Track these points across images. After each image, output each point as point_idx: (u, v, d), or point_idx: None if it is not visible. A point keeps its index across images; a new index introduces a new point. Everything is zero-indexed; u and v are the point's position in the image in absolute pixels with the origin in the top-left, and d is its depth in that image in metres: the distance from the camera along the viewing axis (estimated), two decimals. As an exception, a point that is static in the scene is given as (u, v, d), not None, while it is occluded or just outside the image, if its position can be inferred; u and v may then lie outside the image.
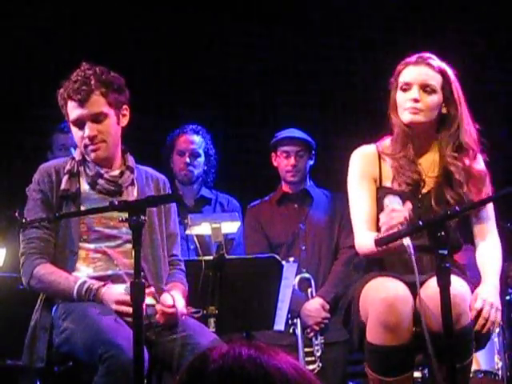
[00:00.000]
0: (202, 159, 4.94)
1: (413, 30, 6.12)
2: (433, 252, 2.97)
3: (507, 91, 6.34)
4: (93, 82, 3.28)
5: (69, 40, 5.68)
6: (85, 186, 3.38)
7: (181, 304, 3.24)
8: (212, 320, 3.53)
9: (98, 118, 3.31)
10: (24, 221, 3.10)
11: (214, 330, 3.48)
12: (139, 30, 5.87)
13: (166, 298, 3.22)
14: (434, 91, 3.35)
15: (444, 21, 6.26)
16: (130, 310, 2.91)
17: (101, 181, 3.37)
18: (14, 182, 5.48)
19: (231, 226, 3.96)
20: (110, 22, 5.78)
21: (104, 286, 3.20)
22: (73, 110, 3.31)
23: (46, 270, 3.25)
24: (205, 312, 3.57)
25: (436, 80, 3.36)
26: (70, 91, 3.29)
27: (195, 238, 4.08)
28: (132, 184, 3.42)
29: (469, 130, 3.38)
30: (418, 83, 3.35)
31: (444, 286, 2.73)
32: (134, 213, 2.80)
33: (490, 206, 3.40)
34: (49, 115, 5.48)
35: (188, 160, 4.89)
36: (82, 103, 3.29)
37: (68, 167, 3.38)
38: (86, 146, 3.34)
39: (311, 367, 4.62)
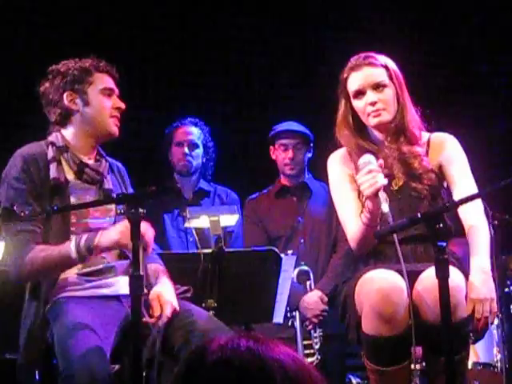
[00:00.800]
0: (200, 150, 4.93)
1: (412, 27, 6.11)
2: (427, 242, 3.00)
3: (506, 85, 6.34)
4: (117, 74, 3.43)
5: (68, 38, 5.67)
6: (70, 175, 3.30)
7: (171, 299, 3.15)
8: (211, 313, 3.53)
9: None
10: (22, 214, 3.06)
11: (212, 322, 3.47)
12: (139, 25, 5.87)
13: (155, 309, 3.12)
14: (385, 86, 3.38)
15: (442, 17, 6.26)
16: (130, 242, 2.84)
17: (87, 170, 3.31)
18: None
19: (230, 219, 3.96)
20: (109, 18, 5.78)
21: (97, 233, 3.12)
22: (106, 80, 3.37)
23: (34, 253, 3.14)
24: (203, 305, 3.56)
25: (382, 75, 3.39)
26: (105, 66, 3.38)
27: (194, 231, 4.08)
28: (109, 172, 3.41)
29: (411, 114, 3.41)
30: (369, 86, 3.38)
31: (443, 278, 2.72)
32: (133, 205, 2.80)
33: (472, 188, 3.38)
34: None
35: (186, 150, 4.89)
36: (114, 80, 3.40)
37: (52, 154, 3.28)
38: (113, 117, 3.35)
39: (310, 360, 4.62)
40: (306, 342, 4.70)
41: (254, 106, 6.18)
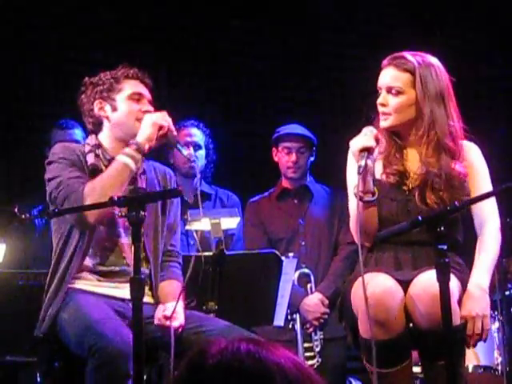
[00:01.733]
0: (203, 152, 4.93)
1: (412, 26, 6.11)
2: (429, 247, 3.00)
3: (506, 88, 6.34)
4: (148, 80, 3.55)
5: (68, 37, 5.68)
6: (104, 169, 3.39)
7: (180, 318, 3.24)
8: (212, 315, 3.53)
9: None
10: (23, 217, 3.08)
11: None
12: (139, 26, 5.87)
13: (166, 311, 3.24)
14: (399, 93, 3.29)
15: (443, 17, 6.26)
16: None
17: None
18: (13, 178, 5.49)
19: (231, 222, 3.96)
20: (109, 18, 5.78)
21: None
22: (135, 85, 3.46)
23: (88, 185, 3.25)
24: (204, 308, 3.56)
25: (401, 80, 3.29)
26: (135, 72, 3.46)
27: (195, 234, 4.08)
28: (143, 173, 3.47)
29: (447, 129, 3.30)
30: (384, 87, 3.34)
31: (443, 282, 2.72)
32: (134, 208, 2.80)
33: (491, 200, 3.35)
34: (48, 112, 5.50)
35: (192, 152, 4.88)
36: (145, 85, 3.49)
37: (88, 147, 3.42)
38: (139, 120, 3.38)
39: (310, 362, 4.62)
40: (306, 345, 4.70)
41: (256, 108, 6.18)
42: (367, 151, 3.17)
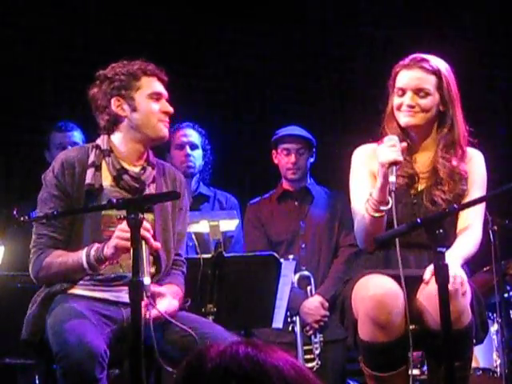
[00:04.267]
0: (200, 151, 4.93)
1: (413, 27, 6.11)
2: (429, 249, 3.00)
3: (507, 88, 6.34)
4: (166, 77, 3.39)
5: (68, 37, 5.68)
6: (108, 181, 3.28)
7: (162, 305, 3.16)
8: (210, 318, 3.53)
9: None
10: (22, 219, 3.07)
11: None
12: (138, 28, 5.87)
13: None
14: (427, 94, 3.36)
15: (445, 17, 6.26)
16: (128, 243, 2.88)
17: (126, 176, 3.27)
18: (13, 180, 5.48)
19: (229, 224, 3.96)
20: (109, 19, 5.78)
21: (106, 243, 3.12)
22: (154, 84, 3.31)
23: (52, 258, 3.18)
24: (203, 310, 3.56)
25: (430, 82, 3.36)
26: (153, 69, 3.33)
27: (193, 236, 4.08)
28: (153, 181, 3.34)
29: (462, 130, 3.40)
30: (412, 88, 3.36)
31: (442, 283, 2.72)
32: (132, 211, 2.79)
33: (479, 208, 3.35)
34: (47, 113, 5.50)
35: (188, 150, 4.88)
36: (163, 83, 3.35)
37: (93, 158, 3.27)
38: (161, 120, 3.29)
39: (310, 365, 4.62)
40: (306, 348, 4.70)
41: (255, 109, 6.18)
42: (396, 165, 3.19)
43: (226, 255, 3.70)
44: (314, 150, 4.98)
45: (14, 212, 3.15)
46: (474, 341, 3.26)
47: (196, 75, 5.98)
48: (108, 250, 3.08)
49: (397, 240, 3.10)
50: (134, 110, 3.28)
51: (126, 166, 3.30)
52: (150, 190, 3.30)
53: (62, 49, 5.66)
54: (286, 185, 5.02)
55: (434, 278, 3.04)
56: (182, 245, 3.46)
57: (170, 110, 3.32)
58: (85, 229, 3.21)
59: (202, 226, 3.88)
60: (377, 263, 3.33)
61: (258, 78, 6.13)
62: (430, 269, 3.09)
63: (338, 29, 6.27)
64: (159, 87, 3.33)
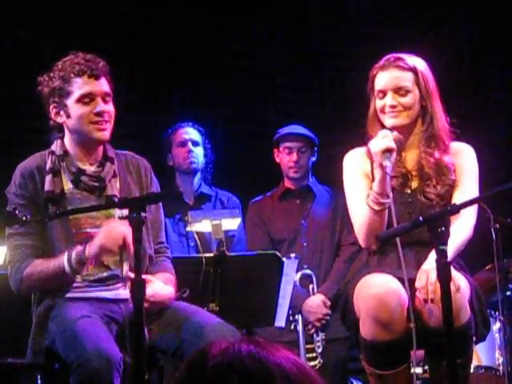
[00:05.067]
0: (201, 149, 4.94)
1: (412, 27, 6.11)
2: (428, 246, 3.01)
3: (507, 88, 6.34)
4: (101, 64, 3.26)
5: (69, 37, 5.67)
6: (68, 185, 3.27)
7: (156, 287, 3.15)
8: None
9: (106, 98, 3.26)
10: (24, 219, 3.06)
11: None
12: (139, 29, 5.87)
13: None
14: (407, 91, 3.39)
15: (443, 18, 6.26)
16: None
17: (84, 178, 3.25)
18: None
19: (232, 223, 3.96)
20: (109, 19, 5.77)
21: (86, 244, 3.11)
22: (83, 85, 3.21)
23: (32, 267, 3.16)
24: (206, 309, 3.56)
25: (407, 79, 3.39)
26: (82, 66, 3.21)
27: (195, 235, 4.08)
28: (114, 175, 3.31)
29: (441, 122, 3.42)
30: (391, 88, 3.39)
31: (444, 281, 2.72)
32: (135, 210, 2.79)
33: (471, 192, 3.37)
34: (48, 114, 5.48)
35: (191, 146, 4.89)
36: (96, 78, 3.23)
37: (49, 165, 3.25)
38: (94, 123, 3.22)
39: (312, 364, 4.61)
40: (308, 346, 4.70)
41: (257, 109, 6.18)
42: (389, 152, 3.22)
43: (228, 254, 3.70)
44: (315, 148, 4.99)
45: (16, 211, 3.14)
46: (476, 338, 3.27)
47: (197, 76, 5.97)
48: (91, 249, 3.07)
49: (398, 240, 3.11)
50: (68, 116, 3.25)
51: (82, 166, 3.28)
52: (112, 185, 3.28)
53: (64, 49, 5.65)
54: (287, 183, 5.02)
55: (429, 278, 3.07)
56: (161, 232, 3.44)
57: (103, 109, 3.23)
58: (54, 236, 3.20)
59: (204, 225, 3.88)
60: (390, 264, 3.32)
61: (259, 78, 6.12)
62: (422, 274, 3.13)
63: (338, 29, 6.27)
64: (89, 87, 3.22)
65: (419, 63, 3.43)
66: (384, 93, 3.40)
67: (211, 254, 3.70)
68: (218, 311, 3.58)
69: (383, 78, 3.41)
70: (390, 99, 3.38)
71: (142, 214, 2.77)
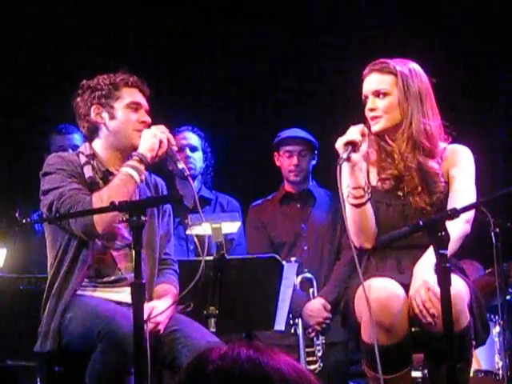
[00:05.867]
0: (200, 154, 4.94)
1: (413, 29, 6.12)
2: (425, 249, 3.01)
3: (507, 90, 6.34)
4: (147, 86, 3.51)
5: (68, 40, 5.68)
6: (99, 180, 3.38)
7: (160, 320, 3.23)
8: (212, 320, 3.52)
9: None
10: (24, 221, 3.07)
11: (214, 330, 3.48)
12: (139, 30, 5.87)
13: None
14: (386, 94, 3.37)
15: (442, 20, 6.26)
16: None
17: (111, 178, 3.35)
18: (14, 183, 5.48)
19: (231, 226, 3.96)
20: (109, 22, 5.78)
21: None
22: (134, 94, 3.43)
23: (94, 196, 3.22)
24: (205, 312, 3.56)
25: (386, 82, 3.38)
26: (135, 81, 3.43)
27: (195, 238, 4.07)
28: (138, 186, 3.41)
29: (419, 126, 3.35)
30: (371, 92, 3.40)
31: (445, 286, 2.72)
32: (135, 213, 2.80)
33: (468, 194, 3.36)
34: (49, 115, 5.49)
35: (188, 152, 4.89)
36: (143, 94, 3.47)
37: (84, 158, 3.38)
38: (137, 130, 3.37)
39: (312, 367, 4.62)
40: (308, 350, 4.70)
41: (257, 112, 6.18)
42: (352, 145, 3.22)
43: (227, 258, 3.70)
44: (316, 152, 4.99)
45: (17, 214, 3.15)
46: (476, 342, 3.27)
47: (197, 77, 5.97)
48: (144, 145, 3.28)
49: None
50: (112, 117, 3.40)
51: (110, 169, 3.40)
52: (135, 192, 3.39)
53: (64, 51, 5.66)
54: (288, 187, 5.02)
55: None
56: (169, 244, 3.58)
57: (148, 120, 3.42)
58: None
59: (204, 229, 3.88)
60: (389, 269, 3.32)
61: (259, 80, 6.13)
62: (415, 290, 3.13)
63: (339, 29, 6.28)
64: (139, 98, 3.44)
65: (402, 65, 3.40)
66: (366, 97, 3.42)
67: (211, 258, 3.70)
68: (217, 315, 3.57)
69: (365, 83, 3.43)
70: (369, 103, 3.39)
71: (142, 218, 2.79)
